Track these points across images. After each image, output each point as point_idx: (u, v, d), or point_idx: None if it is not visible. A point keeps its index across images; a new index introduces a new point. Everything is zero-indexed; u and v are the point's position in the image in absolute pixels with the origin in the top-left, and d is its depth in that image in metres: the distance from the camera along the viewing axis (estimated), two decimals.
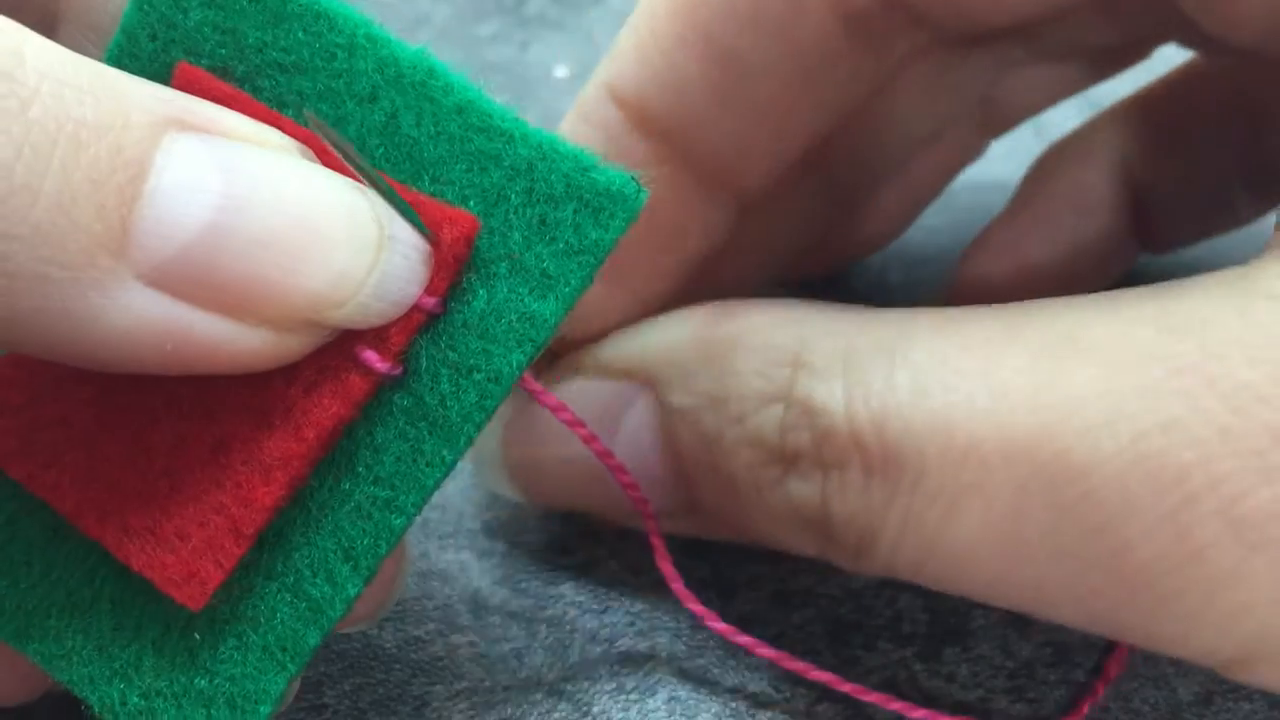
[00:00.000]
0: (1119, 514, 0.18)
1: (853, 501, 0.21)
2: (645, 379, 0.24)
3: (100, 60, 0.19)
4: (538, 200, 0.20)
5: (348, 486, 0.20)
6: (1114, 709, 0.25)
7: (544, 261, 0.20)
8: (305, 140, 0.20)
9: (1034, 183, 0.33)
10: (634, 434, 0.24)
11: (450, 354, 0.20)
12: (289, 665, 0.20)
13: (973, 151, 0.33)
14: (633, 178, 0.20)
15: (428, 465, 0.20)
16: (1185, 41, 0.28)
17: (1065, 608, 0.19)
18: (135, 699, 0.20)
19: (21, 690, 0.22)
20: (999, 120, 0.32)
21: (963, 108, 0.30)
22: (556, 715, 0.24)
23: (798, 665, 0.24)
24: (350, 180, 0.19)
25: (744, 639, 0.24)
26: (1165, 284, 0.19)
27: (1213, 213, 0.32)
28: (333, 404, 0.19)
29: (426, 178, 0.20)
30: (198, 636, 0.20)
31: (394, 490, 0.20)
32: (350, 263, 0.18)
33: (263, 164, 0.18)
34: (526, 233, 0.20)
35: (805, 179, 0.28)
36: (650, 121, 0.24)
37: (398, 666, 0.25)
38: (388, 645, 0.25)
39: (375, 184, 0.19)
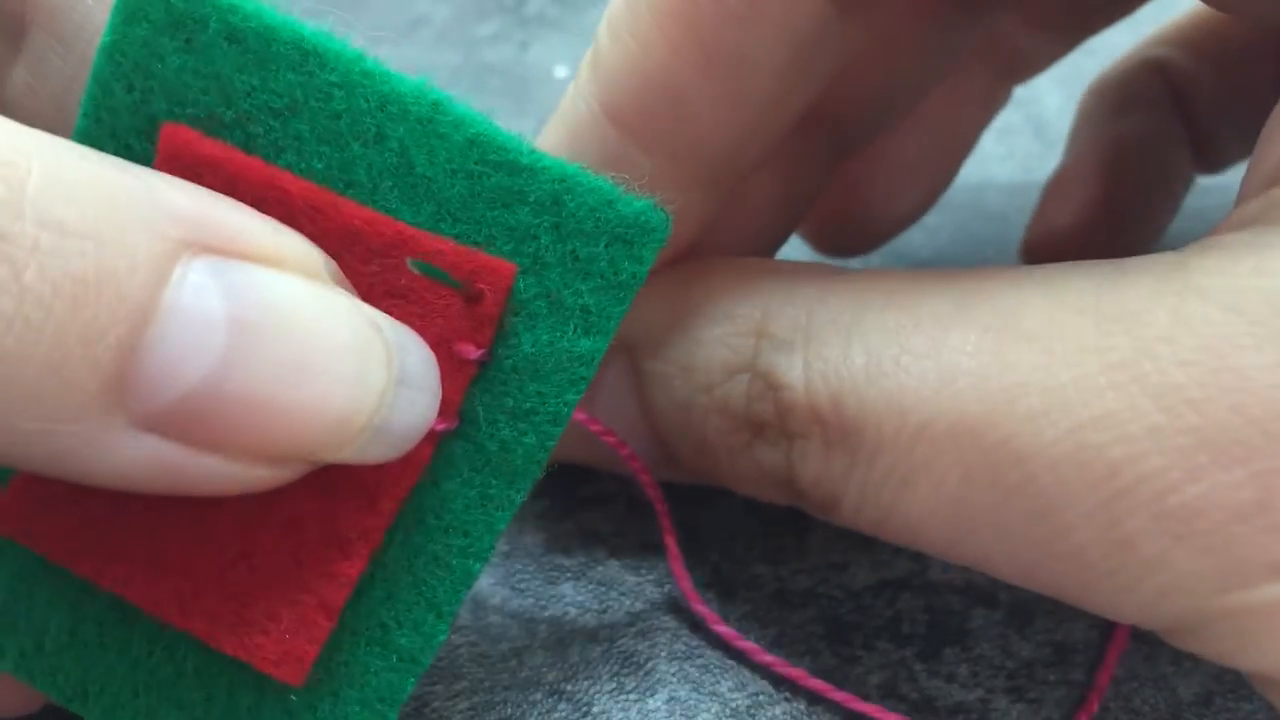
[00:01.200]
0: (1057, 500, 0.19)
1: (815, 469, 0.22)
2: (618, 345, 0.25)
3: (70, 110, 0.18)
4: (568, 236, 0.20)
5: (420, 539, 0.20)
6: (1114, 709, 0.25)
7: (583, 298, 0.20)
8: (311, 198, 0.19)
9: (1094, 125, 0.33)
10: (612, 394, 0.24)
11: (506, 400, 0.20)
12: (389, 714, 0.20)
13: (993, 99, 0.33)
14: (656, 205, 0.20)
15: (498, 509, 0.20)
16: None
17: (1010, 575, 0.21)
18: None
19: (18, 703, 0.22)
20: (1017, 64, 0.32)
21: (964, 48, 0.30)
22: (556, 715, 0.24)
23: (793, 672, 0.24)
24: (365, 308, 0.18)
25: (744, 644, 0.24)
26: (1106, 265, 0.20)
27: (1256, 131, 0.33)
28: (402, 474, 0.19)
29: (449, 219, 0.20)
30: (294, 699, 0.20)
31: (468, 537, 0.20)
32: (352, 410, 0.17)
33: (277, 298, 0.17)
34: (561, 270, 0.20)
35: (799, 135, 0.27)
36: (651, 136, 0.24)
37: None
38: None
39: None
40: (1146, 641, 0.26)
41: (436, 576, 0.20)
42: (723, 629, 0.24)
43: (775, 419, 0.22)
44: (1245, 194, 0.21)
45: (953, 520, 0.20)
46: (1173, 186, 0.33)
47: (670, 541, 0.24)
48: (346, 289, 0.19)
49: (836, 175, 0.30)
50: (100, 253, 0.15)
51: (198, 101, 0.19)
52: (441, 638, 0.20)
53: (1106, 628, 0.26)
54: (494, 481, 0.20)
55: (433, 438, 0.19)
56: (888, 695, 0.25)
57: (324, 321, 0.17)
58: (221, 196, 0.17)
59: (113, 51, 0.19)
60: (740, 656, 0.25)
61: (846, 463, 0.21)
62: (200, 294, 0.16)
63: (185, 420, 0.16)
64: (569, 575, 0.27)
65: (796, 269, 0.24)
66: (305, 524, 0.19)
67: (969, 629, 0.26)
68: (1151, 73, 0.33)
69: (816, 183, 0.30)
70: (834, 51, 0.24)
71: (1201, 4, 0.32)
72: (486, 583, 0.27)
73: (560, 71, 0.43)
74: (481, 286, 0.19)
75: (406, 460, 0.19)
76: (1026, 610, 0.26)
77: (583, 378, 0.20)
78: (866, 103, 0.29)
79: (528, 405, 0.20)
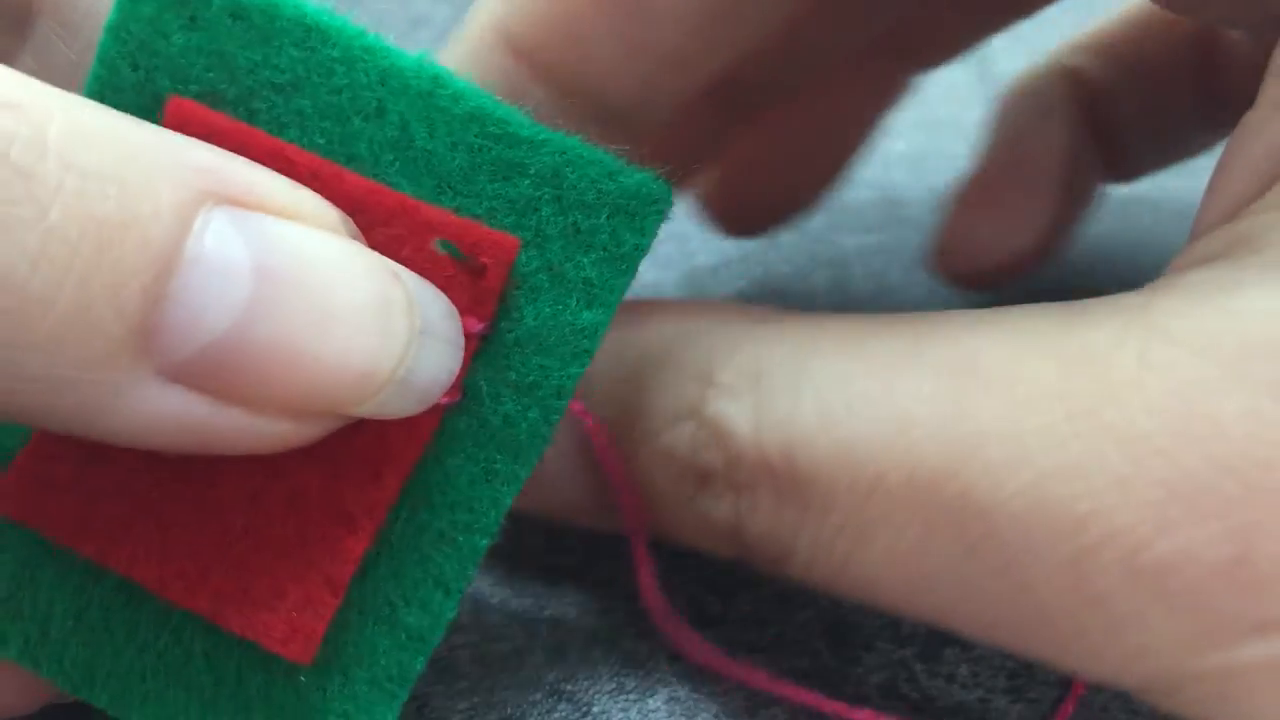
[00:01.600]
0: (1021, 555, 0.18)
1: (764, 522, 0.21)
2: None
3: (78, 75, 0.18)
4: (569, 208, 0.20)
5: (425, 515, 0.20)
6: (1113, 708, 0.25)
7: (585, 270, 0.20)
8: (315, 169, 0.19)
9: (1004, 134, 0.33)
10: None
11: (510, 374, 0.20)
12: (399, 693, 0.20)
13: (893, 87, 0.33)
14: (658, 177, 0.20)
15: (504, 484, 0.20)
16: None
17: (974, 631, 0.20)
18: None
19: (20, 702, 0.22)
20: (920, 51, 0.32)
21: (870, 27, 0.30)
22: (556, 715, 0.24)
23: (785, 689, 0.23)
24: (384, 262, 0.18)
25: (735, 670, 0.24)
26: (1066, 306, 0.19)
27: (1174, 143, 0.33)
28: (406, 447, 0.19)
29: (450, 191, 0.20)
30: (304, 679, 0.20)
31: (473, 513, 0.20)
32: (376, 360, 0.17)
33: (298, 248, 0.17)
34: (563, 243, 0.20)
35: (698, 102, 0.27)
36: (548, 69, 0.23)
37: None
38: None
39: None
40: None
41: (443, 553, 0.20)
42: (711, 659, 0.23)
43: (723, 468, 0.21)
44: (1203, 227, 0.20)
45: (911, 576, 0.19)
46: (1081, 195, 0.33)
47: (645, 573, 0.24)
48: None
49: (734, 150, 0.30)
50: (123, 197, 0.15)
51: (202, 78, 0.20)
52: (450, 615, 0.20)
53: None
54: (498, 456, 0.20)
55: (437, 411, 0.19)
56: (888, 695, 0.25)
57: (347, 271, 0.17)
58: (236, 155, 0.18)
59: (118, 30, 0.20)
60: (741, 656, 0.25)
61: (798, 516, 0.20)
62: (224, 242, 0.16)
63: (211, 371, 0.16)
64: (569, 575, 0.27)
65: (746, 312, 0.23)
66: (310, 500, 0.19)
67: None
68: (1065, 80, 0.33)
69: (704, 143, 0.29)
70: (749, 21, 0.23)
71: (1119, 13, 0.32)
72: (486, 583, 0.27)
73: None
74: (484, 260, 0.19)
75: (410, 433, 0.19)
76: None
77: (585, 350, 0.20)
78: (764, 66, 0.28)
79: (531, 379, 0.20)
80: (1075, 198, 0.33)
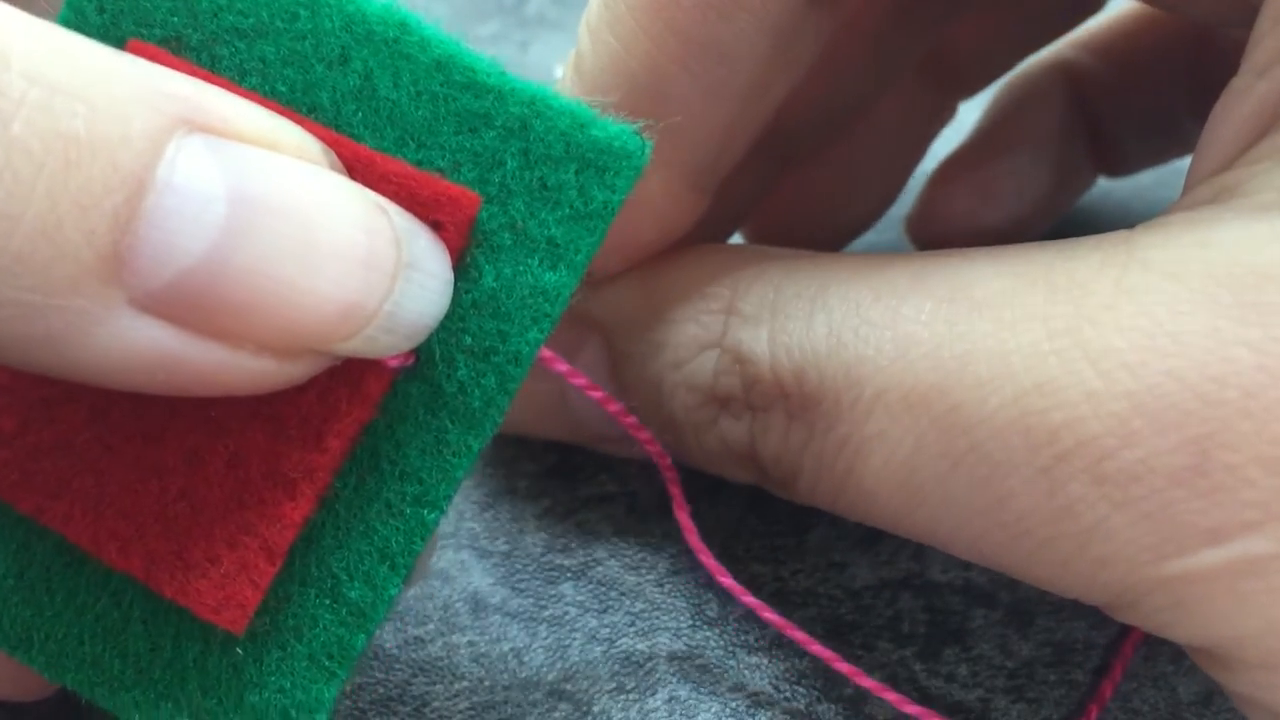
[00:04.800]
0: (1000, 467, 0.19)
1: (775, 443, 0.22)
2: (595, 325, 0.25)
3: None
4: (536, 162, 0.19)
5: (374, 485, 0.19)
6: (1113, 708, 0.25)
7: (549, 229, 0.19)
8: (274, 111, 0.18)
9: (993, 117, 0.34)
10: (586, 373, 0.24)
11: (465, 338, 0.19)
12: (338, 672, 0.19)
13: (939, 112, 0.33)
14: (634, 130, 0.19)
15: (454, 455, 0.19)
16: None
17: (957, 546, 0.21)
18: None
19: (20, 689, 0.22)
20: (962, 78, 0.33)
21: (910, 56, 0.30)
22: (556, 715, 0.24)
23: (822, 651, 0.23)
24: (368, 193, 0.17)
25: (772, 616, 0.24)
26: (1058, 243, 0.21)
27: (1166, 140, 0.34)
28: (351, 408, 0.19)
29: (412, 143, 0.19)
30: (240, 651, 0.19)
31: (422, 485, 0.19)
32: (362, 293, 0.17)
33: (275, 176, 0.16)
34: (528, 199, 0.19)
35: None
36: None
37: (398, 666, 0.25)
38: (388, 645, 0.25)
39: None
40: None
41: (389, 525, 0.19)
42: (750, 600, 0.24)
43: (741, 392, 0.23)
44: (1192, 181, 0.21)
45: (903, 490, 0.20)
46: (1067, 185, 0.34)
47: (676, 491, 0.24)
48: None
49: (784, 182, 0.30)
50: (93, 115, 0.15)
51: (166, 23, 0.19)
52: (394, 591, 0.19)
53: (1109, 630, 0.26)
54: (450, 425, 0.19)
55: (388, 375, 0.19)
56: None
57: (329, 201, 0.17)
58: (212, 85, 0.17)
59: None
60: (740, 656, 0.25)
61: (805, 434, 0.22)
62: (198, 167, 0.16)
63: (186, 301, 0.16)
64: (569, 575, 0.27)
65: (766, 252, 0.24)
66: (250, 462, 0.18)
67: (969, 629, 0.26)
68: (1057, 71, 0.33)
69: (759, 190, 0.30)
70: (809, 42, 0.24)
71: (1113, 11, 0.33)
72: (486, 583, 0.27)
73: (560, 71, 0.43)
74: (441, 217, 0.19)
75: (357, 395, 0.19)
76: (1026, 610, 0.26)
77: (547, 314, 0.19)
78: (813, 109, 0.29)
79: (487, 344, 0.19)
80: (1059, 182, 0.33)
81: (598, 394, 0.23)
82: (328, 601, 0.19)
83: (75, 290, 0.15)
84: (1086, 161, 0.34)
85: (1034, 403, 0.19)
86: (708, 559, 0.24)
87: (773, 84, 0.24)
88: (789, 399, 0.22)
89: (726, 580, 0.24)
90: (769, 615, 0.24)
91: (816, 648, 0.24)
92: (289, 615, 0.19)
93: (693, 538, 0.24)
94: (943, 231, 0.33)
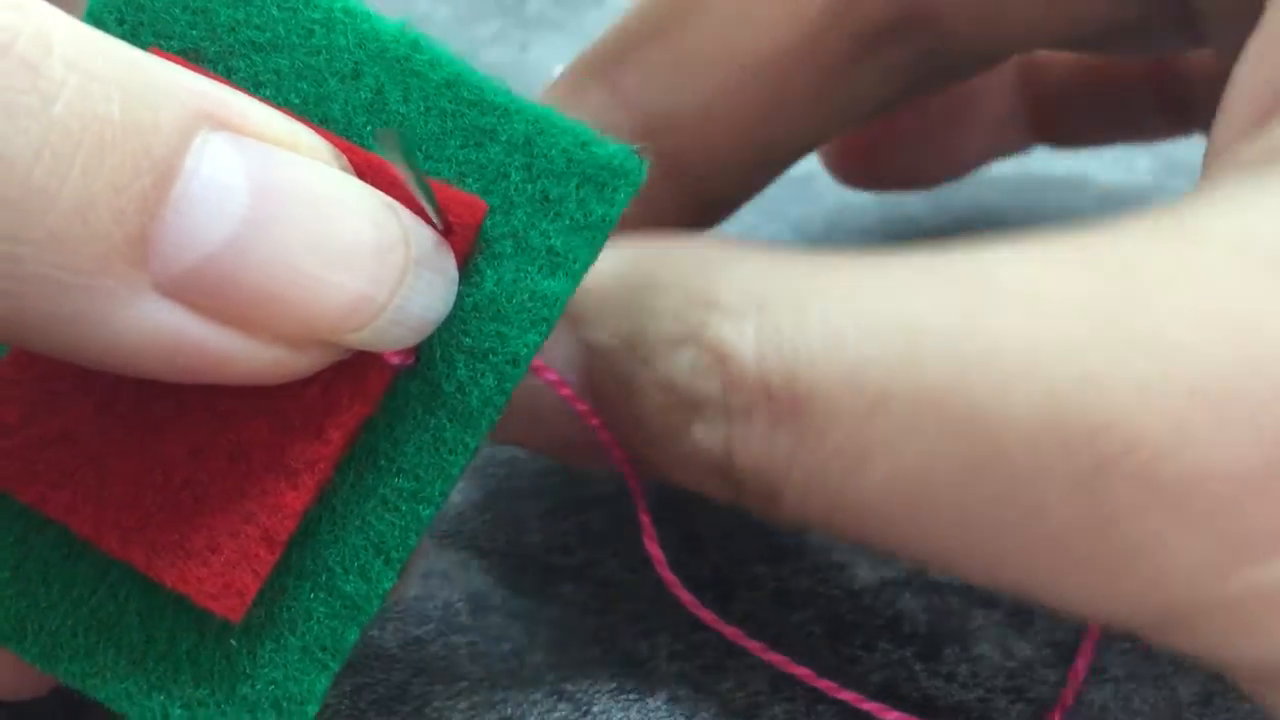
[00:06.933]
0: (1030, 476, 0.17)
1: (756, 453, 0.20)
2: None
3: None
4: (538, 176, 0.20)
5: (371, 480, 0.20)
6: (1113, 708, 0.25)
7: (550, 239, 0.20)
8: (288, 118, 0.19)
9: None
10: (558, 370, 0.23)
11: (464, 339, 0.20)
12: (330, 664, 0.20)
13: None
14: (632, 150, 0.20)
15: (451, 453, 0.20)
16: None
17: (973, 569, 0.19)
18: (177, 710, 0.19)
19: (22, 685, 0.22)
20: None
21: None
22: (556, 715, 0.24)
23: (800, 670, 0.24)
24: (378, 193, 0.18)
25: (751, 644, 0.24)
26: (1086, 228, 0.18)
27: (1118, 120, 0.33)
28: (354, 403, 0.19)
29: (420, 155, 0.20)
30: (234, 643, 0.20)
31: (419, 481, 0.20)
32: (373, 286, 0.17)
33: (295, 172, 0.17)
34: (530, 210, 0.20)
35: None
36: (678, 158, 0.24)
37: (398, 666, 0.25)
38: (388, 645, 0.25)
39: (427, 196, 0.18)
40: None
41: (385, 520, 0.20)
42: (728, 629, 0.24)
43: (719, 394, 0.20)
44: (1220, 146, 0.19)
45: (910, 506, 0.18)
46: (994, 138, 0.34)
47: (646, 519, 0.23)
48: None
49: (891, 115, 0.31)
50: (126, 102, 0.15)
51: (184, 35, 0.20)
52: (387, 585, 0.20)
53: (1109, 629, 0.26)
54: (448, 424, 0.20)
55: (388, 372, 0.19)
56: (888, 695, 0.25)
57: (343, 198, 0.17)
58: (233, 88, 0.18)
59: None
60: (740, 656, 0.25)
61: (792, 443, 0.19)
62: (223, 159, 0.16)
63: (206, 287, 0.16)
64: (569, 575, 0.27)
65: (749, 246, 0.22)
66: (253, 453, 0.19)
67: (969, 629, 0.26)
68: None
69: (748, 180, 0.30)
70: (850, 93, 0.24)
71: None
72: (486, 582, 0.27)
73: (560, 72, 0.43)
74: (450, 219, 0.19)
75: (358, 390, 0.19)
76: (1026, 610, 0.26)
77: (545, 319, 0.20)
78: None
79: (486, 345, 0.20)
80: (984, 135, 0.34)
81: (565, 390, 0.23)
82: (322, 595, 0.20)
83: (104, 270, 0.15)
84: (1020, 121, 0.34)
85: (1069, 400, 0.16)
86: (682, 592, 0.24)
87: (812, 125, 0.24)
88: (774, 401, 0.19)
89: (707, 614, 0.24)
90: (750, 643, 0.24)
91: (793, 667, 0.23)
92: (284, 608, 0.20)
93: (664, 570, 0.24)
94: (857, 162, 0.33)
